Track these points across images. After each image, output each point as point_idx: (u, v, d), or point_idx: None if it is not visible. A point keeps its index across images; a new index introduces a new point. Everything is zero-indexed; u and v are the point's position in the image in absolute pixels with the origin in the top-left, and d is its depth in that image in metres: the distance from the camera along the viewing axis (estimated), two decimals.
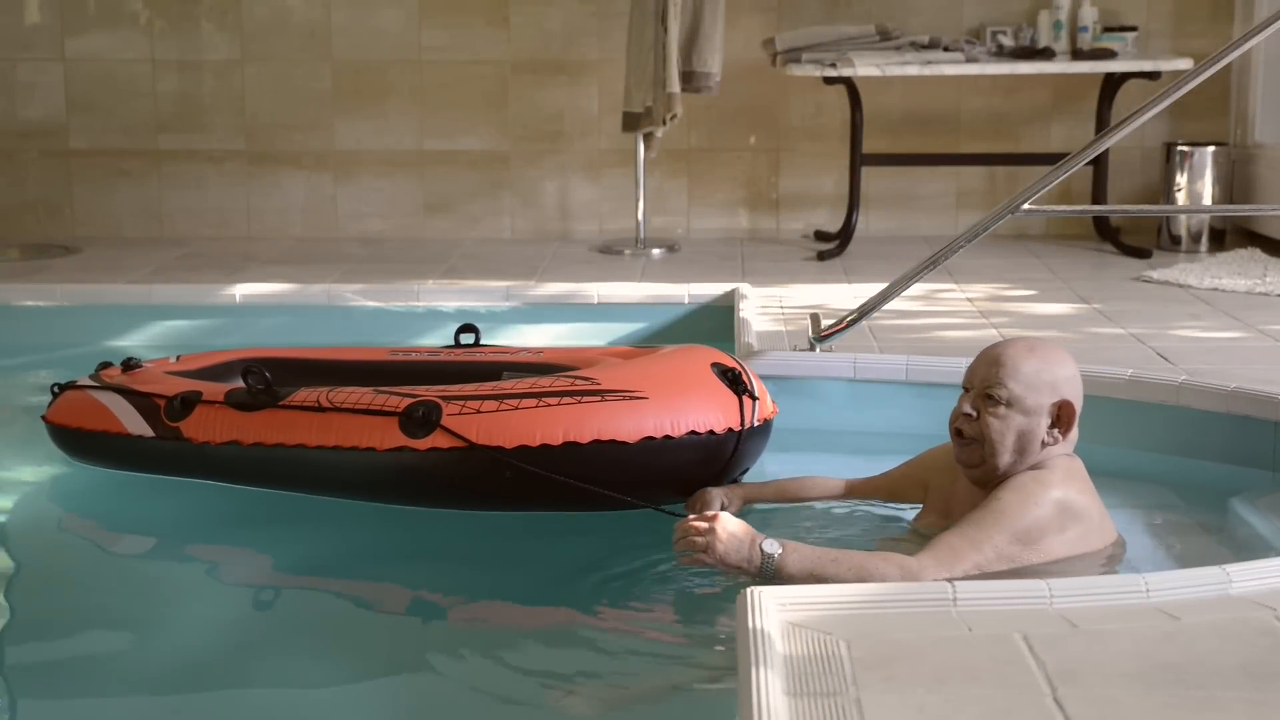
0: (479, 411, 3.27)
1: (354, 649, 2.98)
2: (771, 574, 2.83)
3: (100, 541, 3.74)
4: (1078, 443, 3.05)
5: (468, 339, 4.07)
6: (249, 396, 3.54)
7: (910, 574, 2.82)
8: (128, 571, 3.44)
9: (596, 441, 3.23)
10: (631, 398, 3.27)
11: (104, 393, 3.78)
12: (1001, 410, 2.97)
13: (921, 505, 3.29)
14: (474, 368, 3.91)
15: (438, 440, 3.27)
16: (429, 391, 3.37)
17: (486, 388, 3.34)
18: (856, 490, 3.41)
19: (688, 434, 3.30)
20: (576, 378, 3.33)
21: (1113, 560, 2.99)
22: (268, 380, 3.54)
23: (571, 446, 3.23)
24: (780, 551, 2.84)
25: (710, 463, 3.37)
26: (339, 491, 3.49)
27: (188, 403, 3.61)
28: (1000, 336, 4.40)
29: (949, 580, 2.40)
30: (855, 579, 2.78)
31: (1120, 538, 3.06)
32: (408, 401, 3.33)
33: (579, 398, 3.26)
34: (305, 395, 3.49)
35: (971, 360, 3.08)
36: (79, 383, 3.88)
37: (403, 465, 3.31)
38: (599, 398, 3.26)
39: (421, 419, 3.28)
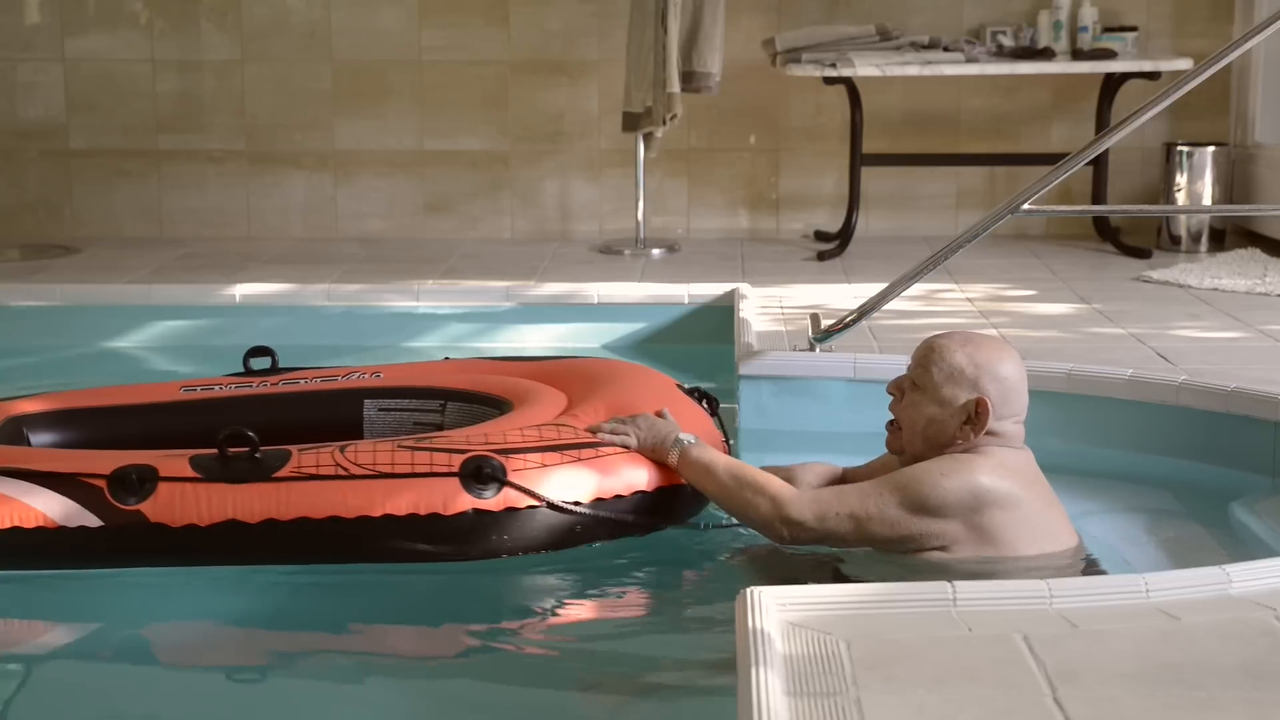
0: (544, 465, 3.08)
1: (357, 662, 2.98)
2: (676, 458, 3.14)
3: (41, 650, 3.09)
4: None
5: (261, 363, 3.65)
6: (234, 466, 3.03)
7: (780, 502, 2.98)
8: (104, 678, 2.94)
9: (660, 488, 3.18)
10: None
11: None
12: (918, 397, 3.00)
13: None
14: (318, 399, 3.54)
15: (509, 498, 3.05)
16: (470, 444, 3.10)
17: (531, 436, 3.14)
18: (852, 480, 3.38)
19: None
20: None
21: (1066, 567, 2.95)
22: (255, 443, 3.05)
23: (640, 495, 3.17)
24: (694, 441, 3.15)
25: None
26: (382, 559, 3.08)
27: (145, 479, 3.01)
28: (1000, 336, 4.39)
29: (949, 582, 2.40)
30: (733, 487, 3.04)
31: (1080, 544, 3.02)
32: (461, 458, 3.05)
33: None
34: (313, 459, 3.05)
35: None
36: None
37: (472, 527, 3.04)
38: None
39: (489, 477, 3.03)
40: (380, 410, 3.56)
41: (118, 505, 3.00)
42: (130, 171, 7.00)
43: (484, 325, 5.40)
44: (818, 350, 4.25)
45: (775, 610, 2.27)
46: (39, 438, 3.46)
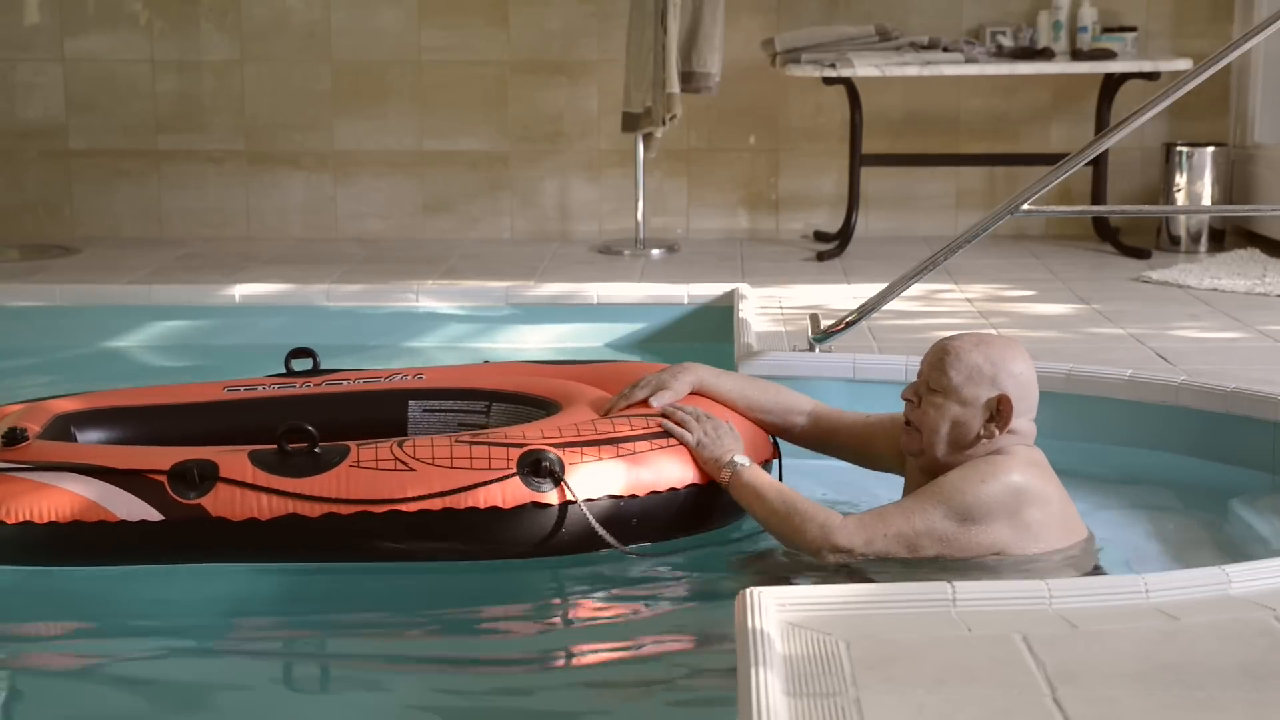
0: (600, 458, 3.11)
1: (354, 662, 2.99)
2: (728, 477, 3.12)
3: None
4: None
5: (303, 364, 3.66)
6: (293, 460, 3.05)
7: (828, 529, 2.96)
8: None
9: (712, 482, 3.20)
10: None
11: (45, 474, 3.07)
12: (938, 399, 3.00)
13: (888, 472, 3.33)
14: (362, 399, 3.55)
15: (566, 492, 3.06)
16: (527, 438, 3.12)
17: (586, 430, 3.16)
18: (824, 424, 3.40)
19: (763, 463, 3.33)
20: (653, 416, 3.24)
21: (1083, 557, 2.98)
22: (314, 438, 3.07)
23: (693, 489, 3.19)
24: (748, 464, 3.12)
25: None
26: (438, 556, 3.11)
27: (205, 475, 3.04)
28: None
29: (948, 582, 2.40)
30: (783, 512, 3.01)
31: (1090, 535, 3.05)
32: (519, 451, 3.07)
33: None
34: (372, 454, 3.07)
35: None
36: None
37: (531, 521, 3.07)
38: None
39: (547, 471, 3.05)
40: (425, 411, 3.58)
41: (178, 500, 3.02)
42: (130, 171, 7.00)
43: (484, 325, 5.40)
44: (817, 350, 4.25)
45: (775, 610, 2.27)
46: (85, 436, 3.48)
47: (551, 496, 3.06)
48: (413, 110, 6.94)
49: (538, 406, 3.52)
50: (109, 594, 3.15)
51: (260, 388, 3.60)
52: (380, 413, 3.55)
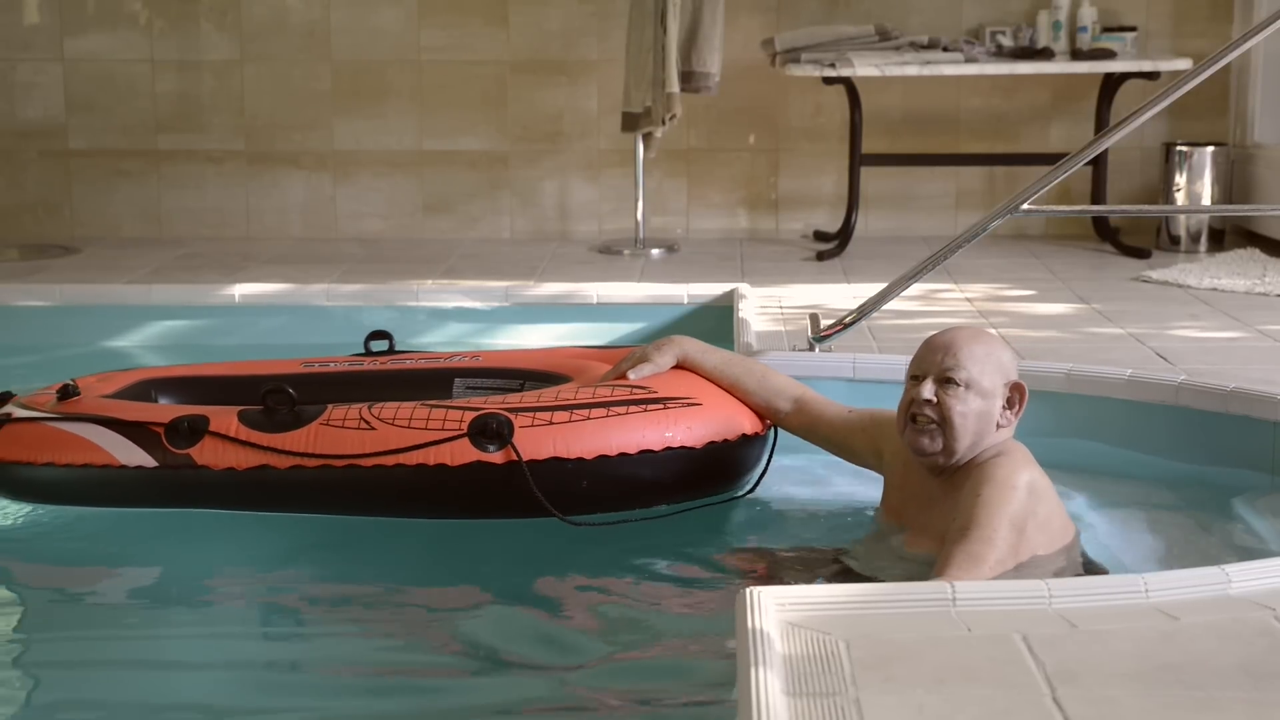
0: (551, 423, 3.24)
1: (354, 656, 2.99)
2: None
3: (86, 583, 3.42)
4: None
5: (380, 345, 3.91)
6: (273, 418, 3.35)
7: None
8: (130, 613, 3.25)
9: (668, 448, 3.28)
10: (690, 404, 3.34)
11: (72, 423, 3.45)
12: (961, 392, 2.97)
13: (866, 468, 3.32)
14: (416, 376, 3.77)
15: (513, 453, 3.22)
16: (487, 404, 3.30)
17: (547, 398, 3.30)
18: (807, 414, 3.42)
19: (739, 437, 3.39)
20: (634, 387, 3.35)
21: (1076, 552, 2.98)
22: (293, 399, 3.36)
23: (645, 455, 3.27)
24: None
25: (754, 462, 3.49)
26: (394, 511, 3.36)
27: (196, 428, 3.36)
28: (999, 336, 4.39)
29: (948, 582, 2.40)
30: None
31: (1077, 532, 3.05)
32: (473, 415, 3.25)
33: (644, 406, 3.30)
34: (342, 413, 3.33)
35: (917, 350, 3.09)
36: (16, 415, 3.51)
37: (478, 479, 3.23)
38: (662, 405, 3.31)
39: (494, 433, 3.21)
40: (468, 388, 3.78)
41: (171, 449, 3.38)
42: (129, 171, 7.00)
43: (483, 325, 5.40)
44: (817, 350, 4.25)
45: (775, 610, 2.27)
46: (164, 400, 3.76)
47: (498, 457, 3.20)
48: (412, 110, 6.94)
49: (562, 383, 3.61)
50: (107, 543, 3.49)
51: (332, 364, 3.85)
52: (429, 388, 3.74)
